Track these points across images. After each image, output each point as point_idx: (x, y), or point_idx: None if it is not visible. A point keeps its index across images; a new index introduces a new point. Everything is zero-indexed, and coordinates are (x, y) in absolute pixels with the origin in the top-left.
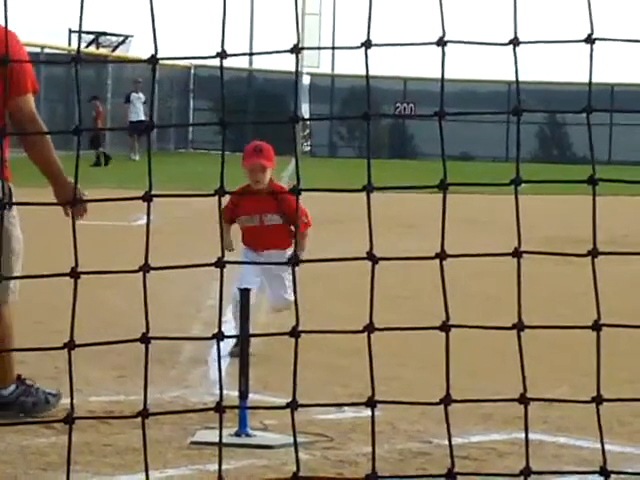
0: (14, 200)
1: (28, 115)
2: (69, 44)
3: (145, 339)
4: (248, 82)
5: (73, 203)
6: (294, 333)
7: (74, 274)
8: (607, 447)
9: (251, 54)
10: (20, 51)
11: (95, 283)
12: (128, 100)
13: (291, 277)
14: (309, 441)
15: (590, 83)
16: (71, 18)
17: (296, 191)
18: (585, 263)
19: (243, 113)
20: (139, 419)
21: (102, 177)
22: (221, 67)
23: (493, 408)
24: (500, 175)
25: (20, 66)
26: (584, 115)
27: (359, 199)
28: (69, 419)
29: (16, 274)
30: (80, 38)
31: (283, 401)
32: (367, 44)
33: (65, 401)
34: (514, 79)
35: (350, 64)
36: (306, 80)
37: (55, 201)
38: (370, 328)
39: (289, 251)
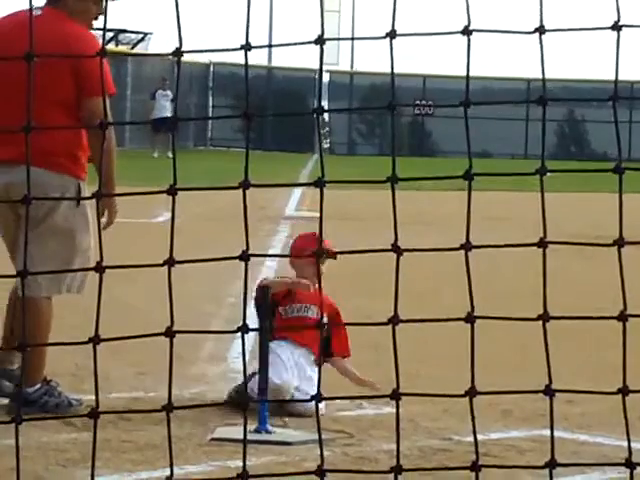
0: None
1: (97, 118)
2: None
3: (170, 333)
4: (267, 79)
5: (100, 197)
6: (320, 326)
7: (99, 268)
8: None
9: (274, 45)
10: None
11: (112, 279)
12: (154, 97)
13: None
14: (329, 438)
15: (617, 72)
16: None
17: (320, 183)
18: (608, 258)
19: (262, 110)
20: (159, 416)
21: (122, 173)
22: (246, 59)
23: (513, 405)
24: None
25: (92, 67)
26: (603, 112)
27: (378, 197)
28: (94, 414)
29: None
30: (104, 38)
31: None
32: (392, 34)
33: (86, 397)
34: (533, 76)
35: (369, 61)
36: (325, 77)
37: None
38: (395, 320)
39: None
